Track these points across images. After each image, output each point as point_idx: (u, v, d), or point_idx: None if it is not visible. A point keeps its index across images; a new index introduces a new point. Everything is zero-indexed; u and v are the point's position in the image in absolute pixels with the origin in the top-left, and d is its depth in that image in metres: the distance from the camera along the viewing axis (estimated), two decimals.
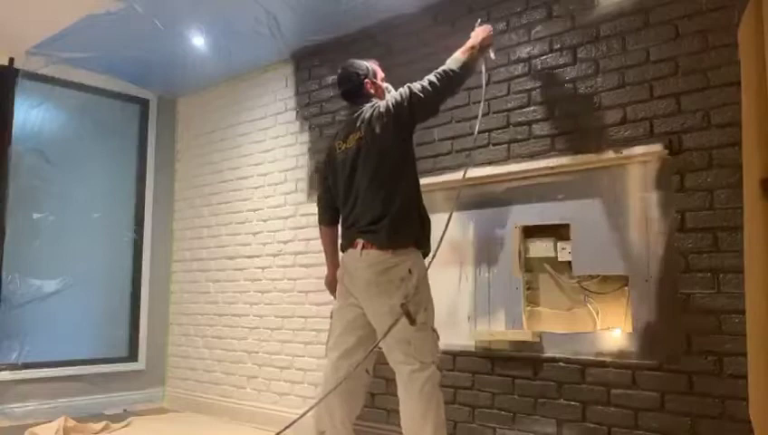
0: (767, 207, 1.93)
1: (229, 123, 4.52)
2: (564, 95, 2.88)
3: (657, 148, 2.58)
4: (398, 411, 3.30)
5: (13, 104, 4.12)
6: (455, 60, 2.54)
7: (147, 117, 4.84)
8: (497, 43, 3.14)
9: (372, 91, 2.65)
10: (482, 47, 2.64)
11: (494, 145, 3.10)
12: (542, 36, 2.98)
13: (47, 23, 3.68)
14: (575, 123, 2.84)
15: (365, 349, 2.49)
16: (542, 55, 2.97)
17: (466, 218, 3.20)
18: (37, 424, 3.74)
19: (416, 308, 2.35)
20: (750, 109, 2.08)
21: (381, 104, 2.52)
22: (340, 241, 2.63)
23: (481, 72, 2.78)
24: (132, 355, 4.62)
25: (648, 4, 2.67)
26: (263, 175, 4.25)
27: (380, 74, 2.73)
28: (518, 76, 3.04)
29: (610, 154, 2.70)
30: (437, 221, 3.30)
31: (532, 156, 2.93)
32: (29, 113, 4.25)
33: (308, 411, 2.46)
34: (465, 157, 3.17)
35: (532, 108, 2.99)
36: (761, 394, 1.99)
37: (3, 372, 3.99)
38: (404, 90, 2.49)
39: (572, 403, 2.71)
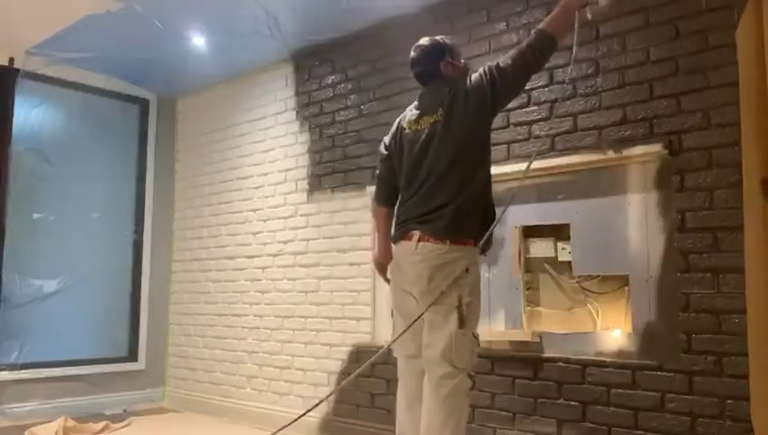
0: (767, 207, 1.93)
1: (229, 123, 4.52)
2: (564, 95, 2.88)
3: (657, 148, 2.58)
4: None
5: (13, 104, 4.12)
6: (538, 33, 2.26)
7: (147, 117, 4.84)
8: (497, 43, 3.15)
9: (451, 71, 2.43)
10: (574, 9, 2.30)
11: (494, 145, 3.08)
12: None
13: (47, 23, 3.68)
14: (575, 123, 2.84)
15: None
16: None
17: None
18: (37, 424, 3.74)
19: (467, 311, 2.21)
20: (749, 108, 2.08)
21: (461, 86, 2.32)
22: (393, 229, 2.46)
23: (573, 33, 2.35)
24: (132, 355, 4.62)
25: (648, 4, 2.67)
26: (263, 175, 4.25)
27: (457, 52, 2.50)
28: None
29: (610, 154, 2.70)
30: None
31: (531, 156, 2.92)
32: (29, 113, 4.24)
33: (312, 409, 2.42)
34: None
35: (532, 108, 2.99)
36: (761, 394, 2.00)
37: (3, 372, 3.98)
38: (485, 70, 2.30)
39: (572, 403, 2.71)
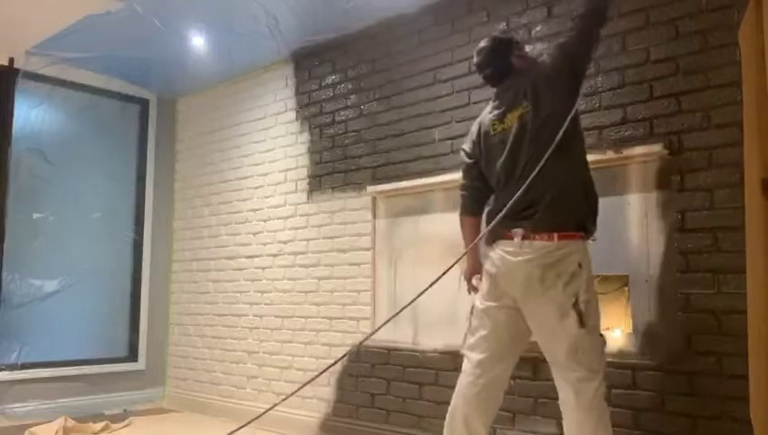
0: (767, 207, 1.93)
1: (229, 123, 4.52)
2: None
3: (657, 148, 2.58)
4: (398, 412, 3.32)
5: (13, 104, 4.12)
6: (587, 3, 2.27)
7: (147, 117, 4.84)
8: None
9: (523, 63, 2.39)
10: None
11: None
12: (542, 36, 2.98)
13: (47, 23, 3.68)
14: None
15: (517, 353, 2.31)
16: (543, 55, 2.96)
17: None
18: (37, 424, 3.74)
19: (586, 309, 2.10)
20: (750, 109, 2.08)
21: (539, 72, 2.30)
22: (488, 231, 2.34)
23: None
24: (132, 355, 4.62)
25: (648, 4, 2.67)
26: (263, 175, 4.25)
27: (522, 43, 2.49)
28: None
29: (610, 154, 2.70)
30: (435, 221, 3.32)
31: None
32: (29, 113, 4.24)
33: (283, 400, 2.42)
34: None
35: None
36: (761, 394, 1.99)
37: (2, 373, 3.98)
38: (553, 49, 2.33)
39: None
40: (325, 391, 3.68)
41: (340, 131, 3.80)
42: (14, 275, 4.07)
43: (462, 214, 2.53)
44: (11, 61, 4.10)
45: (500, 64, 2.39)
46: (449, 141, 3.27)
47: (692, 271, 2.47)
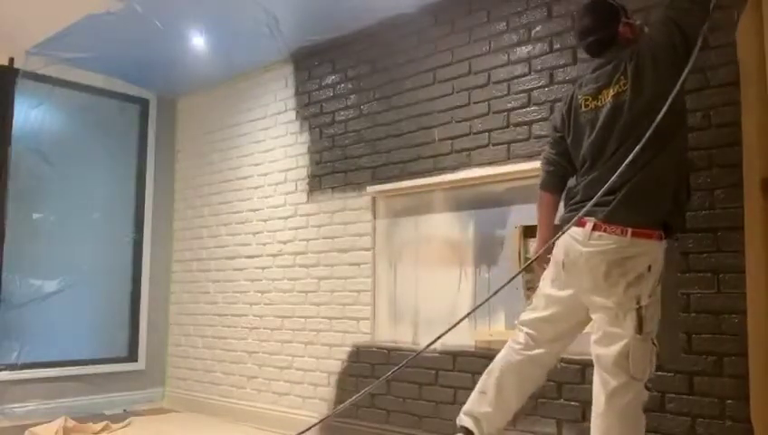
0: (767, 207, 1.93)
1: (229, 123, 4.52)
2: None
3: None
4: (398, 412, 3.32)
5: (13, 104, 4.12)
6: None
7: (147, 117, 4.83)
8: (497, 43, 3.15)
9: (629, 33, 2.17)
10: None
11: (494, 145, 3.10)
12: (542, 36, 2.98)
13: (47, 23, 3.68)
14: None
15: (572, 338, 2.22)
16: (542, 55, 2.97)
17: (466, 218, 3.20)
18: (37, 424, 3.73)
19: (647, 314, 1.99)
20: (750, 109, 2.09)
21: (644, 46, 2.07)
22: (561, 214, 2.27)
23: None
24: (132, 355, 4.62)
25: (648, 4, 2.66)
26: (263, 175, 4.25)
27: (629, 10, 2.26)
28: (518, 76, 3.04)
29: None
30: (435, 221, 3.32)
31: (532, 156, 2.92)
32: (29, 113, 4.24)
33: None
34: (466, 157, 3.18)
35: (532, 108, 2.99)
36: (761, 394, 2.00)
37: (2, 372, 3.98)
38: (663, 19, 2.08)
39: (572, 403, 2.71)
40: (326, 391, 3.68)
41: (340, 131, 3.80)
42: (14, 275, 4.07)
43: (541, 189, 2.39)
44: (11, 61, 4.10)
45: (605, 33, 2.17)
46: (449, 141, 3.27)
47: (692, 271, 2.47)
